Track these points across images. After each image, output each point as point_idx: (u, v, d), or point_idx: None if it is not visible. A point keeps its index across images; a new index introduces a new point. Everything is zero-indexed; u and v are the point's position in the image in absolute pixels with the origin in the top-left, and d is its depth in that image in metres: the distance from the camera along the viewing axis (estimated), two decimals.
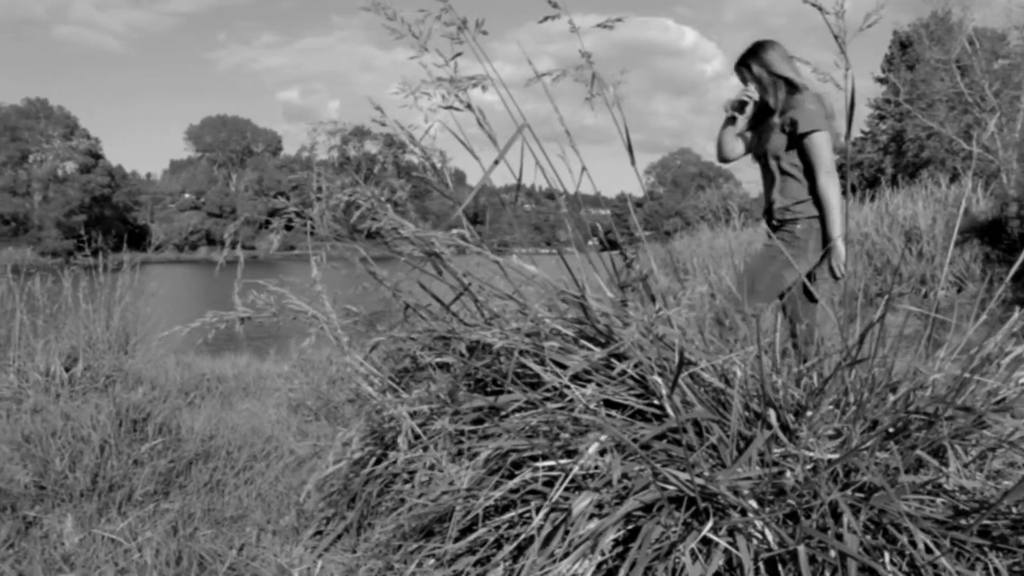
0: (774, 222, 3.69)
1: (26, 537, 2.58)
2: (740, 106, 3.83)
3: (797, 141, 3.59)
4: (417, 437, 2.07)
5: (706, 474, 1.72)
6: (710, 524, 1.66)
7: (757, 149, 3.82)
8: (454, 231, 2.25)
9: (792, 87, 3.69)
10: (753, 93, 3.77)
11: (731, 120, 3.95)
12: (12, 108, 72.99)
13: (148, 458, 3.16)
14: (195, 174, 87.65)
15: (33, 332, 5.35)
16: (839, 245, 3.50)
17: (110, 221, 70.51)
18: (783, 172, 3.67)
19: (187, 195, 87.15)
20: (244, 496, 2.93)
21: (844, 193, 3.46)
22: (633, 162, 1.87)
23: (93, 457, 3.07)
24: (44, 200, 72.34)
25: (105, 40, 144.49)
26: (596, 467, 1.71)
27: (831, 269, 3.59)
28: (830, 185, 3.52)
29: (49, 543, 2.53)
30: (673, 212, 70.10)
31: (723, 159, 3.99)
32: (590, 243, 2.96)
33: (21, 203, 71.67)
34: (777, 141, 3.69)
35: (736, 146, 3.93)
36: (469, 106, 1.91)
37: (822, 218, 3.55)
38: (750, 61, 3.78)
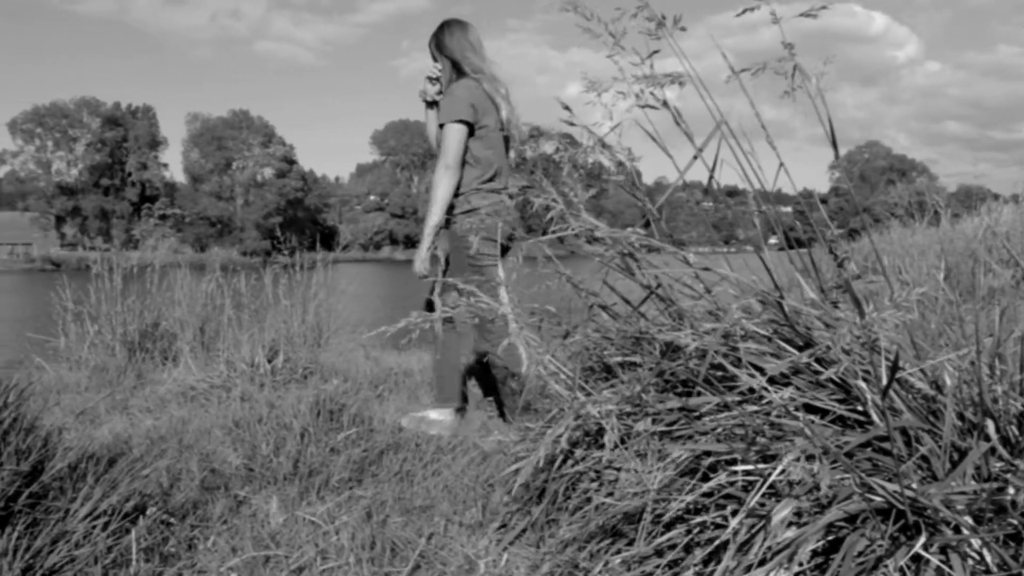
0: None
1: (237, 515, 2.77)
2: (431, 85, 3.68)
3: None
4: (620, 438, 2.06)
5: (915, 486, 1.61)
6: (922, 540, 1.55)
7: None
8: (628, 229, 2.22)
9: (458, 72, 3.52)
10: (436, 71, 3.62)
11: (430, 103, 3.76)
12: (219, 119, 79.58)
13: (343, 447, 3.33)
14: (379, 176, 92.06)
15: (239, 326, 5.77)
16: (423, 246, 3.36)
17: (303, 222, 75.48)
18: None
19: (372, 197, 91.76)
20: (432, 487, 3.03)
21: None
22: (837, 155, 1.78)
23: (295, 444, 3.27)
24: (245, 204, 78.36)
25: (300, 52, 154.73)
26: (795, 473, 1.64)
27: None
28: (442, 180, 3.35)
29: (257, 521, 2.71)
30: (860, 208, 66.45)
31: (435, 144, 3.78)
32: (771, 241, 2.86)
33: (225, 207, 78.05)
34: (435, 127, 3.58)
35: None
36: (665, 103, 1.88)
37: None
38: (431, 42, 3.63)
